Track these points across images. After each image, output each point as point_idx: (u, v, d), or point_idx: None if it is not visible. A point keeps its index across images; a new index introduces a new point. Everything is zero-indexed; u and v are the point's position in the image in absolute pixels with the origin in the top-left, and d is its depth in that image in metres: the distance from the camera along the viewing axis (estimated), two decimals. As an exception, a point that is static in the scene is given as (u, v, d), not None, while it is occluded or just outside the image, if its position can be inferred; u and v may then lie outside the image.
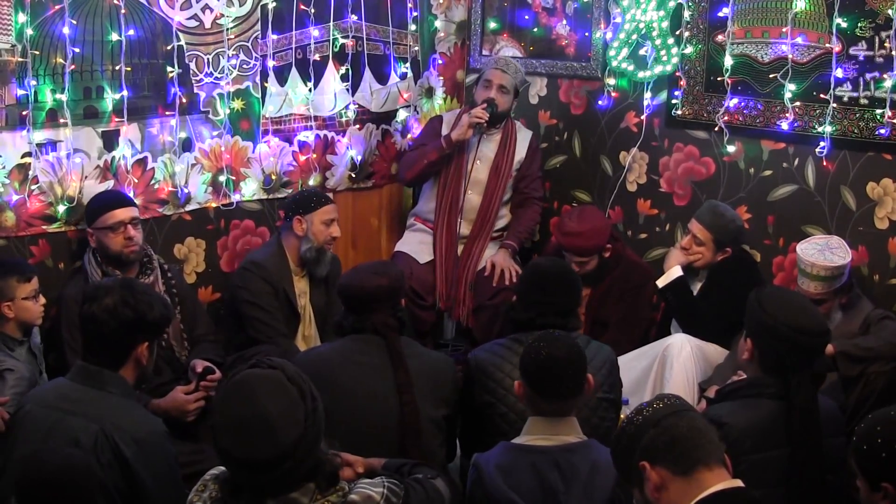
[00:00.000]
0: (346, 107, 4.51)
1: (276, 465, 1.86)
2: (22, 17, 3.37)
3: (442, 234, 4.40)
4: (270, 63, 4.17)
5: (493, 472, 2.45)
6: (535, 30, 4.65)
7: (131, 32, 3.68)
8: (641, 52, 4.18)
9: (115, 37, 3.64)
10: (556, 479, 2.41)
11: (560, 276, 3.12)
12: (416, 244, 4.47)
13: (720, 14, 3.92)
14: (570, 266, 3.25)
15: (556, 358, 2.49)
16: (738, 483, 1.94)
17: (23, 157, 3.49)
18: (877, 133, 3.54)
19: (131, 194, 3.73)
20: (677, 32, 4.07)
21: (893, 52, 3.45)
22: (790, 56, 3.72)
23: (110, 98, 3.67)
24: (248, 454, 1.85)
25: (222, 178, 4.09)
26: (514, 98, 4.45)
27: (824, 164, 3.72)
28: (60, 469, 2.18)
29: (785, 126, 3.77)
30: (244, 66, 4.10)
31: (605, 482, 2.41)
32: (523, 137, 4.50)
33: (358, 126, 4.59)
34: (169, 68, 3.83)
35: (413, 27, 4.71)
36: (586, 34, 4.44)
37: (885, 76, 3.49)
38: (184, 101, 3.90)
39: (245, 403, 1.88)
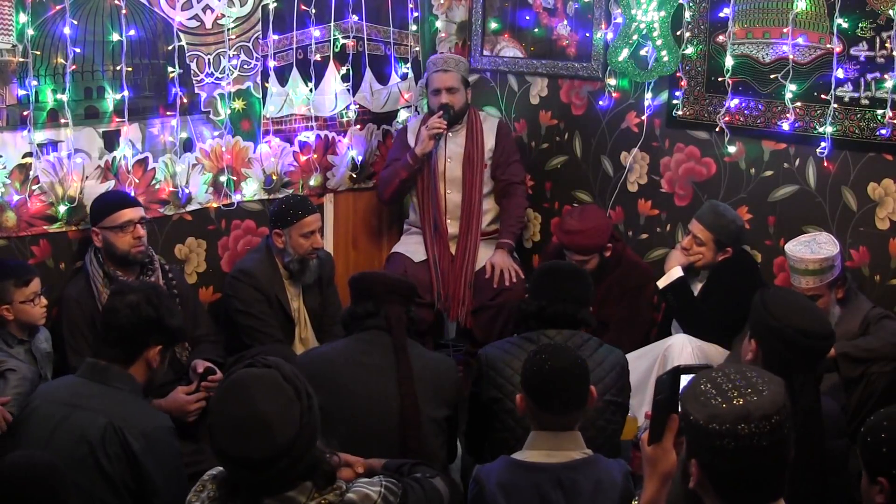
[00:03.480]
0: (347, 107, 4.51)
1: (273, 464, 1.87)
2: (23, 18, 3.38)
3: (431, 237, 4.40)
4: (271, 63, 4.18)
5: (494, 490, 2.43)
6: (536, 30, 4.64)
7: (132, 33, 3.69)
8: (642, 52, 4.18)
9: (115, 37, 3.64)
10: (559, 498, 2.39)
11: (571, 268, 3.23)
12: (412, 245, 4.48)
13: (721, 14, 3.91)
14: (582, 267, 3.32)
15: (559, 370, 2.47)
16: None
17: (24, 157, 3.51)
18: (878, 133, 3.54)
19: (132, 194, 3.74)
20: (678, 33, 4.07)
21: (894, 53, 3.44)
22: (791, 56, 3.71)
23: (111, 98, 3.68)
24: (245, 453, 1.86)
25: (223, 179, 4.10)
26: (467, 89, 4.44)
27: (825, 164, 3.72)
28: (22, 469, 2.18)
29: (786, 126, 3.77)
30: (245, 66, 4.10)
31: (608, 500, 2.39)
32: (490, 126, 4.49)
33: (359, 126, 4.59)
34: (170, 68, 3.84)
35: (414, 27, 4.71)
36: (587, 34, 4.43)
37: (885, 77, 3.48)
38: (185, 101, 3.90)
39: (241, 403, 1.89)
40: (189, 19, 3.89)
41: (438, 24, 4.84)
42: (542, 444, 2.49)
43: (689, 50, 4.04)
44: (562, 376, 2.46)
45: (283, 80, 4.25)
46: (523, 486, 2.42)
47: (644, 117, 4.26)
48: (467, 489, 2.62)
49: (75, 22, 3.53)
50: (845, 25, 3.54)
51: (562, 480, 2.40)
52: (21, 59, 3.41)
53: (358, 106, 4.56)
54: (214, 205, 4.12)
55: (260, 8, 4.09)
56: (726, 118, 3.94)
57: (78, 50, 3.55)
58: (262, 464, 1.86)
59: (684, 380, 1.96)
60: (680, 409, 1.88)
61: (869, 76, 3.54)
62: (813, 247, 3.37)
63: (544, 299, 3.02)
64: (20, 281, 3.20)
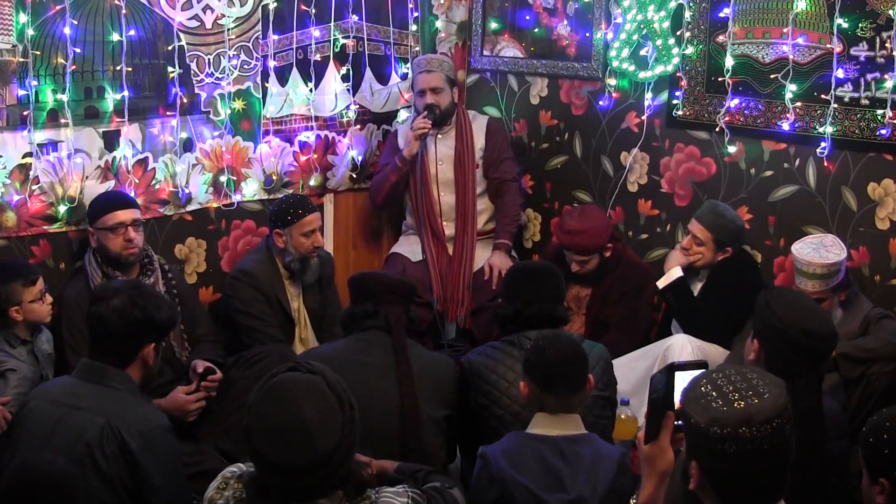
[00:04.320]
0: (347, 107, 4.51)
1: (311, 472, 1.85)
2: (23, 18, 3.38)
3: (429, 240, 4.40)
4: (271, 63, 4.18)
5: (498, 456, 2.50)
6: (536, 30, 4.64)
7: (132, 33, 3.69)
8: (642, 52, 4.18)
9: (115, 37, 3.64)
10: (561, 464, 2.47)
11: (539, 266, 3.26)
12: (410, 245, 4.49)
13: (721, 14, 3.91)
14: (551, 263, 3.33)
15: (562, 354, 2.56)
16: None
17: (24, 157, 3.51)
18: (878, 134, 3.54)
19: (132, 194, 3.74)
20: (678, 33, 4.07)
21: (894, 53, 3.44)
22: (791, 56, 3.71)
23: (111, 98, 3.68)
24: (284, 459, 1.84)
25: (223, 179, 4.10)
26: (453, 88, 4.43)
27: (825, 164, 3.72)
28: (40, 475, 2.18)
29: (786, 126, 3.77)
30: (245, 66, 4.10)
31: (607, 470, 2.46)
32: (479, 125, 4.49)
33: (359, 126, 4.59)
34: (170, 68, 3.83)
35: (414, 27, 4.71)
36: (587, 34, 4.43)
37: (885, 77, 3.48)
38: (185, 101, 3.90)
39: (284, 407, 1.86)
40: (189, 19, 3.89)
41: (438, 24, 4.84)
42: (544, 423, 2.56)
43: (689, 50, 4.04)
44: (564, 361, 2.55)
45: (283, 80, 4.25)
46: (526, 451, 2.50)
47: (644, 117, 4.26)
48: (468, 490, 2.63)
49: (75, 22, 3.53)
50: (845, 25, 3.54)
51: (563, 449, 2.49)
52: (21, 59, 3.41)
53: (358, 106, 4.56)
54: (214, 205, 4.12)
55: (260, 8, 4.09)
56: (726, 118, 3.94)
57: (78, 50, 3.55)
58: (300, 471, 1.84)
59: (679, 377, 1.96)
60: (680, 411, 1.87)
61: (869, 76, 3.54)
62: (821, 251, 3.37)
63: (519, 302, 3.05)
64: (28, 281, 3.20)
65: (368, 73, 4.58)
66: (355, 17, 4.44)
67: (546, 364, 2.55)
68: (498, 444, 2.57)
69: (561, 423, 2.55)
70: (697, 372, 1.95)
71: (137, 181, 3.81)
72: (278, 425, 1.85)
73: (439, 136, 4.41)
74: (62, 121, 3.56)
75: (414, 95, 4.46)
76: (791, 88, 3.71)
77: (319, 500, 1.90)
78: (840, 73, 3.57)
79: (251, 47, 4.11)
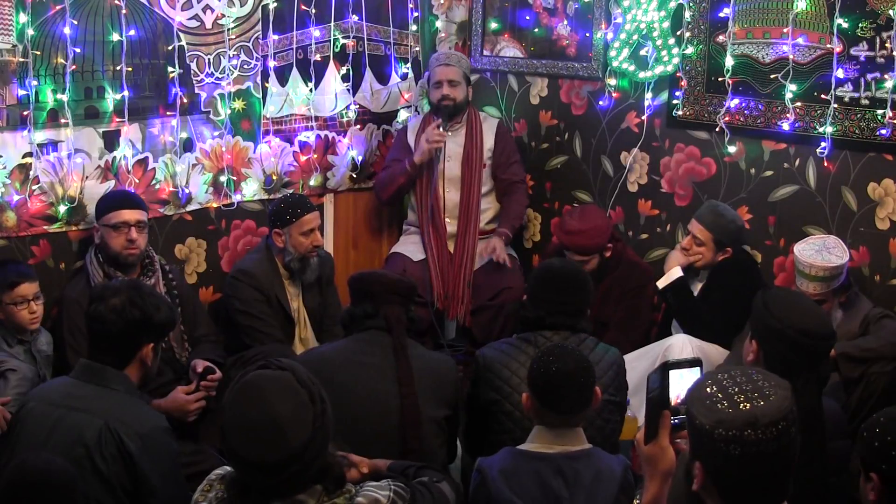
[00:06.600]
0: (347, 107, 4.51)
1: (285, 468, 1.86)
2: (23, 18, 3.38)
3: (430, 236, 4.40)
4: (271, 63, 4.18)
5: (496, 476, 2.46)
6: (536, 30, 4.64)
7: (132, 33, 3.69)
8: (642, 52, 4.18)
9: (116, 37, 3.64)
10: (560, 485, 2.42)
11: (571, 275, 3.14)
12: (411, 244, 4.49)
13: (721, 14, 3.91)
14: (581, 267, 3.29)
15: (566, 373, 2.49)
16: None
17: (24, 157, 3.51)
18: (878, 133, 3.54)
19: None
20: (678, 33, 4.07)
21: (894, 53, 3.44)
22: (791, 56, 3.71)
23: (111, 98, 3.68)
24: (257, 456, 1.85)
25: (223, 179, 4.10)
26: (469, 86, 4.46)
27: (825, 164, 3.72)
28: (39, 475, 2.19)
29: (786, 126, 3.77)
30: (245, 66, 4.10)
31: (608, 490, 2.42)
32: (489, 126, 4.50)
33: (359, 126, 4.59)
34: (170, 68, 3.83)
35: (414, 27, 4.71)
36: (587, 34, 4.43)
37: (885, 77, 3.49)
38: (185, 101, 3.90)
39: (255, 405, 1.88)
40: (189, 19, 3.89)
41: (438, 24, 4.84)
42: (544, 438, 2.52)
43: (689, 50, 4.04)
44: (568, 379, 2.49)
45: (283, 80, 4.25)
46: (524, 472, 2.45)
47: (644, 117, 4.26)
48: (467, 489, 2.62)
49: (75, 22, 3.53)
50: (845, 25, 3.54)
51: (562, 469, 2.44)
52: (21, 59, 3.41)
53: (358, 106, 4.56)
54: (214, 205, 4.12)
55: (260, 8, 4.09)
56: (726, 118, 3.94)
57: (78, 50, 3.55)
58: (273, 467, 1.86)
59: (673, 375, 1.96)
60: (685, 412, 1.86)
61: (869, 76, 3.54)
62: (824, 254, 3.36)
63: (543, 310, 3.02)
64: (4, 283, 3.19)
65: (368, 73, 4.58)
66: (355, 17, 4.44)
67: (548, 380, 2.49)
68: (496, 462, 2.51)
69: (561, 438, 2.50)
70: (692, 370, 1.95)
71: (137, 181, 3.81)
72: (250, 423, 1.87)
73: (450, 132, 4.42)
74: (62, 121, 3.56)
75: (429, 88, 4.47)
76: (791, 88, 3.71)
77: (297, 495, 1.91)
78: (840, 73, 3.58)
79: (251, 47, 4.11)
